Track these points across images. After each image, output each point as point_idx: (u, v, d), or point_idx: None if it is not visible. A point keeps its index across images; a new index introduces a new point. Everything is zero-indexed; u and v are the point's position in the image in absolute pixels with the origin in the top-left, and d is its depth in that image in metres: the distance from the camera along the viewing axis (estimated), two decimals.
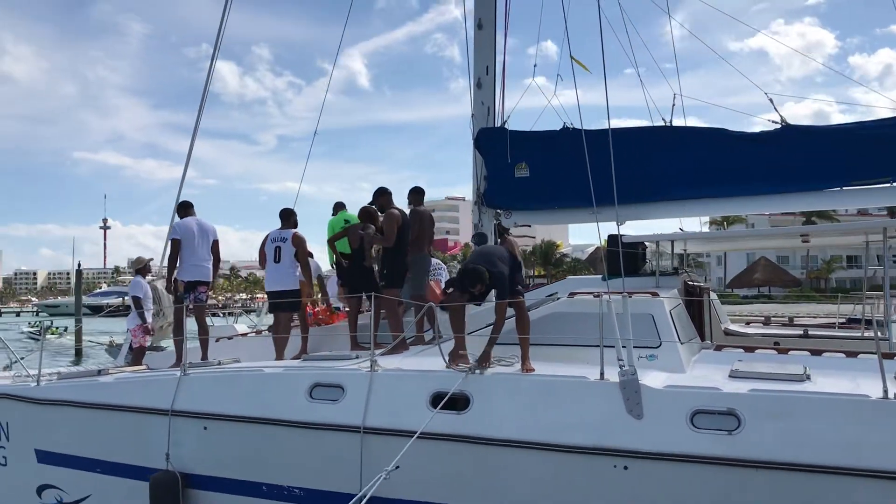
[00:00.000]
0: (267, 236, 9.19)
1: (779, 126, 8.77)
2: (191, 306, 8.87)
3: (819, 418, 5.41)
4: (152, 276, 10.80)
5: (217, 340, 9.67)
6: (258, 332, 10.98)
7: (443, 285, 10.13)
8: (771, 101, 8.90)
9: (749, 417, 5.53)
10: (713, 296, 10.07)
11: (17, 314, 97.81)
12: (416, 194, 9.18)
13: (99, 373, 8.34)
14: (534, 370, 6.56)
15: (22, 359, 9.69)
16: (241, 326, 11.53)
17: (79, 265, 38.46)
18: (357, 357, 7.55)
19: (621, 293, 6.57)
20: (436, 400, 6.35)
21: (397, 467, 5.52)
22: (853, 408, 5.38)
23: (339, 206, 11.02)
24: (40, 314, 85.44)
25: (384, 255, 8.71)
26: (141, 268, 10.58)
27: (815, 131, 8.68)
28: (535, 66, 10.57)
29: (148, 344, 10.41)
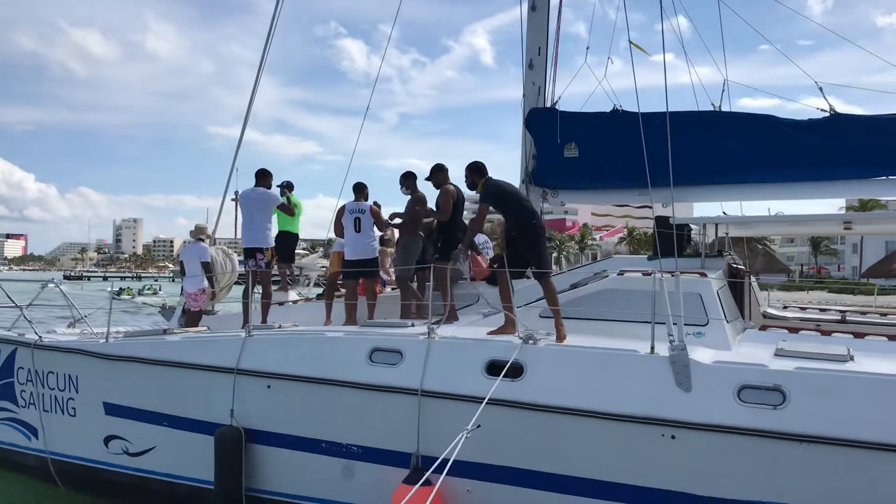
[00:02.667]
0: (344, 207, 9.53)
1: (828, 114, 8.92)
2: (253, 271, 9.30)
3: (862, 396, 5.67)
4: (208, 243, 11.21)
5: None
6: (307, 300, 11.40)
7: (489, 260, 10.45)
8: (821, 89, 9.03)
9: (794, 393, 5.80)
10: (752, 279, 10.28)
11: (155, 279, 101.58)
12: (410, 179, 9.51)
13: (165, 332, 8.78)
14: (565, 338, 7.01)
15: (86, 316, 10.19)
16: (292, 294, 11.92)
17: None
18: (412, 325, 7.91)
19: (671, 272, 6.83)
20: (491, 367, 6.69)
21: (478, 426, 5.85)
22: (894, 387, 5.63)
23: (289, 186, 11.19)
24: (176, 280, 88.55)
25: (439, 228, 9.03)
26: (203, 237, 10.95)
27: (863, 120, 8.82)
28: (587, 48, 10.76)
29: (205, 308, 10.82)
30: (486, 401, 6.10)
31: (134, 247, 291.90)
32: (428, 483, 6.65)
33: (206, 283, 10.24)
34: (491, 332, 7.34)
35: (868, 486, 5.57)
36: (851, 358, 6.26)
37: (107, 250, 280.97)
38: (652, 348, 6.38)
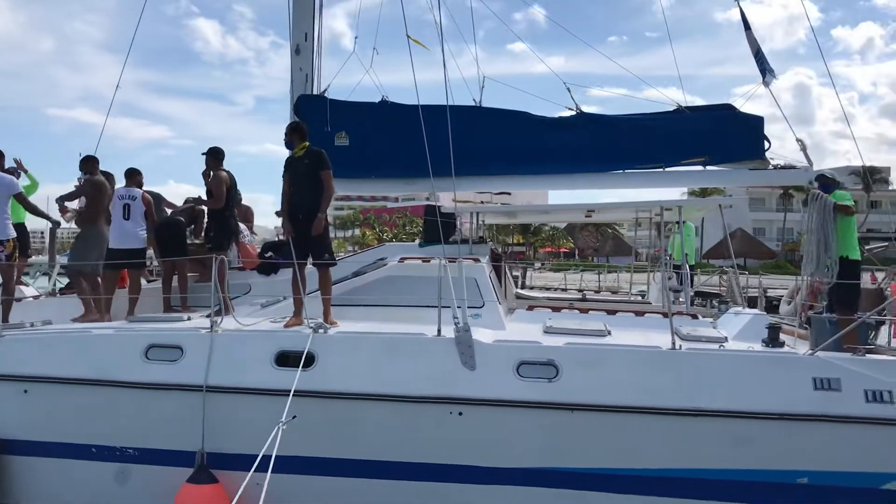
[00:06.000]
0: (113, 193, 8.86)
1: (574, 113, 9.86)
2: None
3: (622, 366, 6.43)
4: None
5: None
6: (51, 294, 10.39)
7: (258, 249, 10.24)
8: (569, 90, 9.93)
9: (565, 367, 6.43)
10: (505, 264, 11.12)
11: None
12: (89, 163, 9.06)
13: None
14: (336, 324, 7.24)
15: None
16: (30, 289, 10.76)
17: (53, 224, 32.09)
18: (188, 318, 7.58)
19: (453, 259, 7.22)
20: (280, 358, 6.64)
21: (294, 417, 5.76)
22: (649, 357, 6.47)
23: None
24: None
25: (210, 217, 8.68)
26: None
27: (603, 120, 9.87)
28: (356, 38, 10.86)
29: None
30: (292, 392, 6.05)
31: None
32: (214, 480, 6.49)
33: None
34: (287, 325, 7.29)
35: (619, 443, 6.32)
36: (609, 332, 7.07)
37: None
38: (438, 331, 6.71)
